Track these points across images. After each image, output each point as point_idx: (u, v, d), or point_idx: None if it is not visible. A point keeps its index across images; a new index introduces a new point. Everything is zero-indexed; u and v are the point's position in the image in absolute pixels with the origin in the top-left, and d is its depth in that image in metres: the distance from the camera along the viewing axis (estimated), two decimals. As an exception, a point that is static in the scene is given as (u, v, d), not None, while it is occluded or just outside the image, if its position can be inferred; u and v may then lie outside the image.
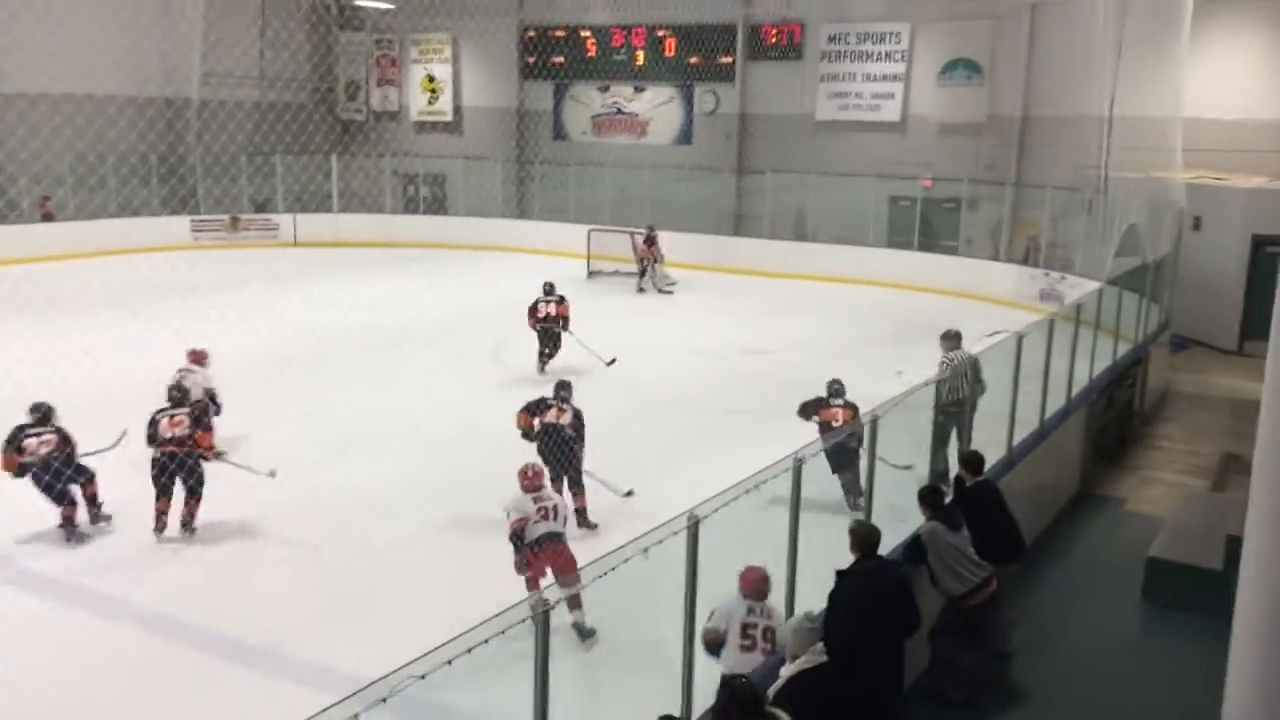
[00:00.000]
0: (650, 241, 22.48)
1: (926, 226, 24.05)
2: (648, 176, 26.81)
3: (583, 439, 9.70)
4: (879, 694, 5.56)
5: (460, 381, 14.06)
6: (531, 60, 29.33)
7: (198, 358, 11.40)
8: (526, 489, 7.71)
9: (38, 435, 9.09)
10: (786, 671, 5.15)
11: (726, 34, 26.58)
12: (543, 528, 7.53)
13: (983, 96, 23.74)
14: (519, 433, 9.75)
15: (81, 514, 9.24)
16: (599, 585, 4.09)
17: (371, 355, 15.59)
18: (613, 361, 14.91)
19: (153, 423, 9.30)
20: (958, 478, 7.55)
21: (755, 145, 26.92)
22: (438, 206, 30.54)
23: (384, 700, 3.22)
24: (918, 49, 24.54)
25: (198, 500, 9.31)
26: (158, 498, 9.16)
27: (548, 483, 8.17)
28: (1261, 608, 4.31)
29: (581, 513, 9.53)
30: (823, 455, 7.29)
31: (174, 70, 27.67)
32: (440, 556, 8.83)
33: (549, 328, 14.88)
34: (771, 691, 5.04)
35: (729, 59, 26.79)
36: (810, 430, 9.48)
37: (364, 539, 9.10)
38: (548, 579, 7.48)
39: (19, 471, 8.98)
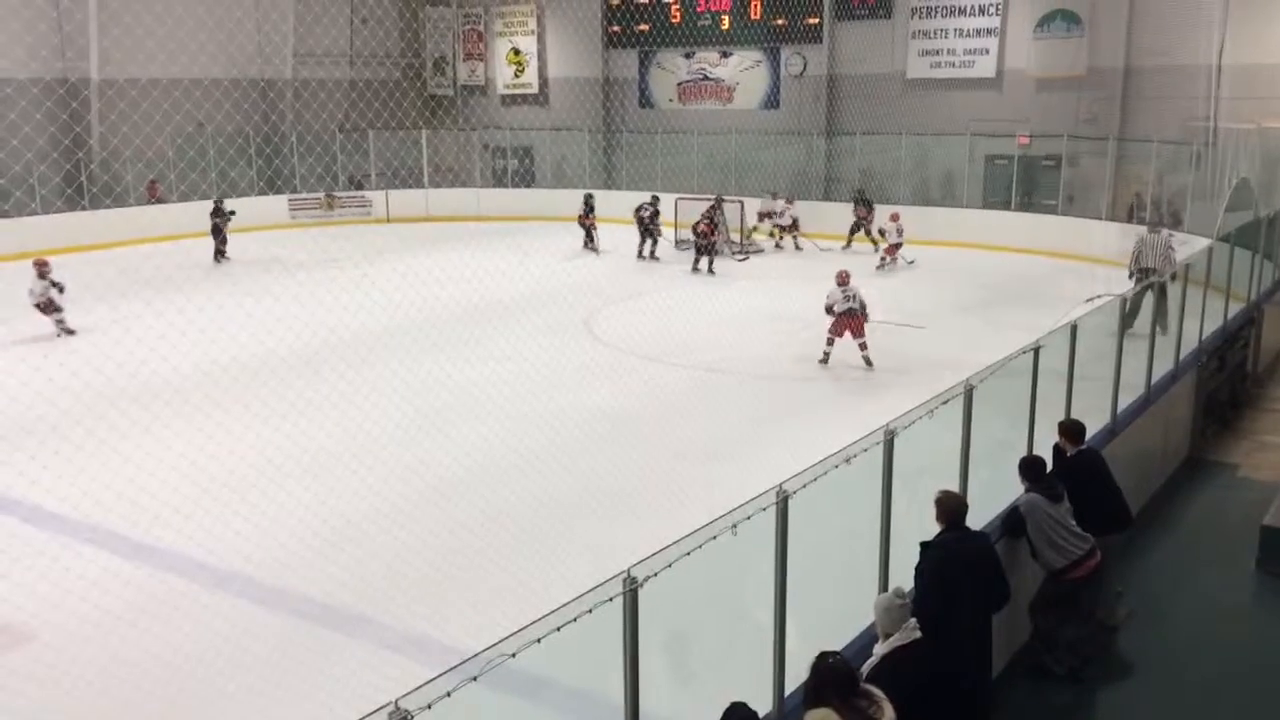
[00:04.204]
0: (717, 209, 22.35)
1: (1024, 185, 23.33)
2: (734, 142, 26.50)
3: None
4: (968, 668, 5.44)
5: (551, 354, 14.15)
6: (616, 29, 29.17)
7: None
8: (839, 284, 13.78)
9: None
10: (880, 649, 5.07)
11: (813, -7, 26.09)
12: (844, 305, 13.77)
13: (1082, 48, 22.83)
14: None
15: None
16: (685, 563, 4.06)
17: (463, 329, 15.80)
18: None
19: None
20: (1057, 447, 7.31)
21: (844, 107, 26.39)
22: (525, 179, 30.71)
23: (474, 679, 3.25)
24: (1013, 1, 23.71)
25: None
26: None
27: (851, 280, 13.97)
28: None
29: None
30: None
31: (269, 51, 28.32)
32: (533, 530, 8.91)
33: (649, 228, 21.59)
34: (865, 669, 4.98)
35: (816, 19, 26.27)
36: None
37: (460, 511, 9.25)
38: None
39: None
